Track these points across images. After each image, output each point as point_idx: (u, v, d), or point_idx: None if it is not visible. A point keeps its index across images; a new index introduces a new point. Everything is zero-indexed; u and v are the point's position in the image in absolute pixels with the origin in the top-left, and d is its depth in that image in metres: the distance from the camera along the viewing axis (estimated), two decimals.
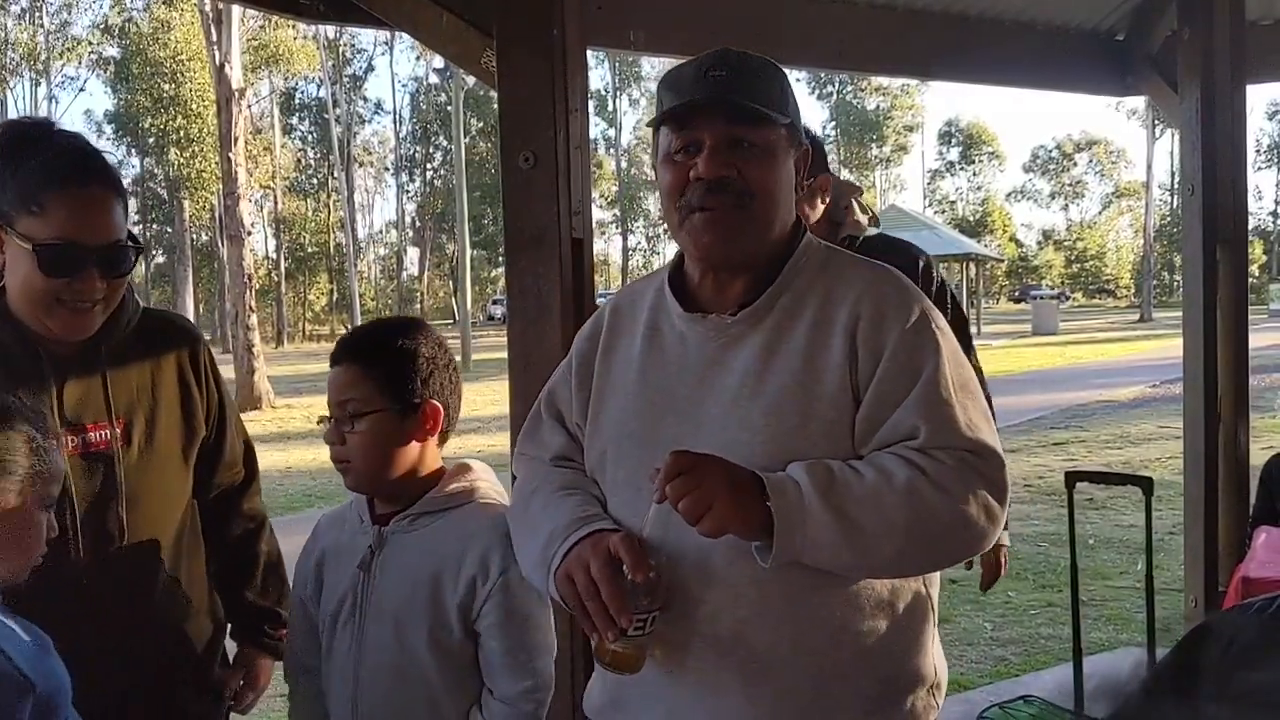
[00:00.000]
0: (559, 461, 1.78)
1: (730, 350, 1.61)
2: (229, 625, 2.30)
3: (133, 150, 43.53)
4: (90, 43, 47.44)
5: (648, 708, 1.64)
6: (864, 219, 2.92)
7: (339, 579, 1.94)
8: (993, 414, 2.70)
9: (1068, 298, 61.08)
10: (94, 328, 1.91)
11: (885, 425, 1.53)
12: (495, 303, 50.62)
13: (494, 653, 1.85)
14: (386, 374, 1.88)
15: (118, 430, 1.95)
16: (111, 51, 43.35)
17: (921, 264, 2.82)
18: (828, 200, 2.86)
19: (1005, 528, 2.74)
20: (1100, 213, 70.68)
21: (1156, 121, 46.28)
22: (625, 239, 57.87)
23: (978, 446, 1.52)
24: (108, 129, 43.83)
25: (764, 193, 1.60)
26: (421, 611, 1.85)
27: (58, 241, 1.79)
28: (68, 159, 1.83)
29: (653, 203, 58.24)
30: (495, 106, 3.07)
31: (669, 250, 62.82)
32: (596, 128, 56.89)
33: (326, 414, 1.92)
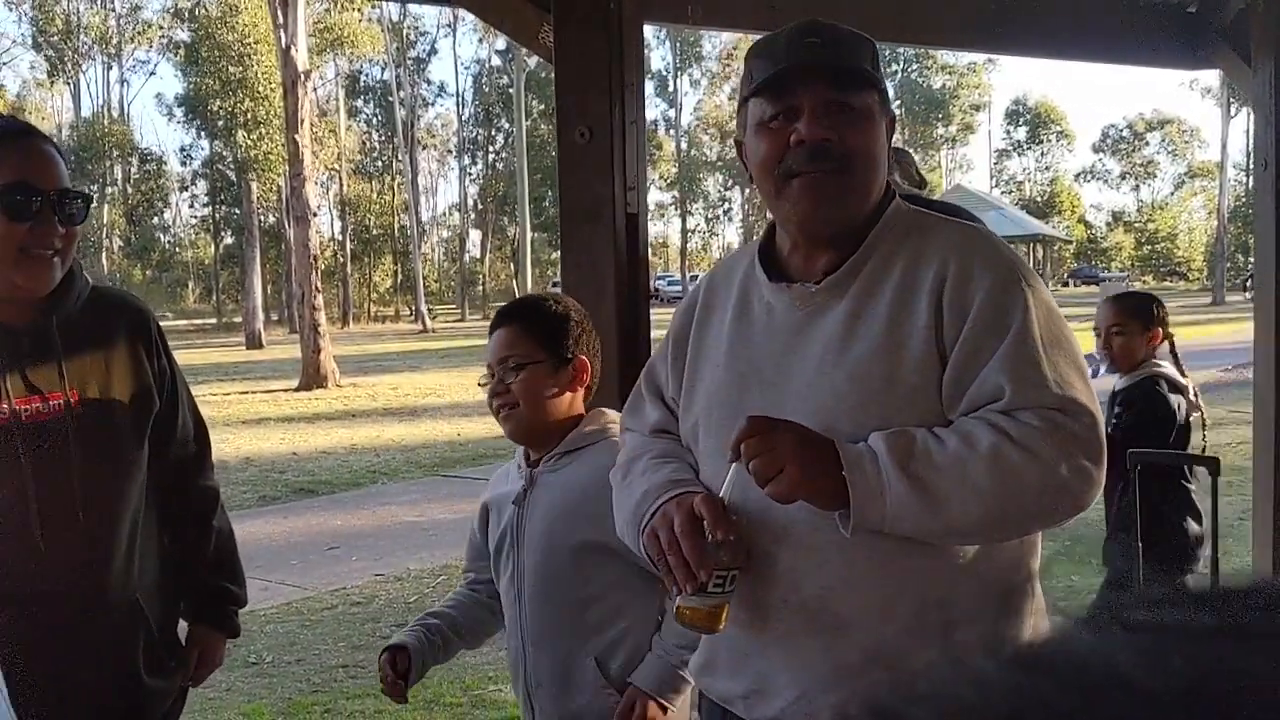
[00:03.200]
0: (658, 434, 1.82)
1: (815, 319, 1.61)
2: (182, 603, 2.31)
3: (202, 133, 44.23)
4: (161, 26, 48.33)
5: (737, 669, 1.67)
6: (904, 183, 2.81)
7: (501, 518, 2.21)
8: None
9: (1128, 280, 59.79)
10: (55, 280, 1.98)
11: (972, 386, 1.51)
12: (555, 285, 50.61)
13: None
14: (545, 332, 2.14)
15: (71, 400, 1.99)
16: (182, 35, 44.04)
17: None
18: None
19: None
20: (1172, 193, 69.05)
21: (1231, 99, 45.09)
22: (684, 220, 57.67)
23: (1066, 404, 1.48)
24: (178, 112, 44.57)
25: (865, 156, 1.59)
26: (562, 540, 2.08)
27: (14, 182, 1.90)
28: (10, 121, 2.06)
29: (712, 184, 58.02)
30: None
31: (728, 232, 62.60)
32: (656, 108, 56.69)
33: (486, 375, 2.16)
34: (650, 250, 3.01)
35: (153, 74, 78.07)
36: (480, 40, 55.66)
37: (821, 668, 1.56)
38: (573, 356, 2.15)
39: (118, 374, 2.07)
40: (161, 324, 2.27)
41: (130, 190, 49.77)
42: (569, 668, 2.10)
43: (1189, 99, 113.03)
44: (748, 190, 52.51)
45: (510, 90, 46.74)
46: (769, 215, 1.73)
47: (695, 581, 1.53)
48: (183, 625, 2.34)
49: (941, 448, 1.46)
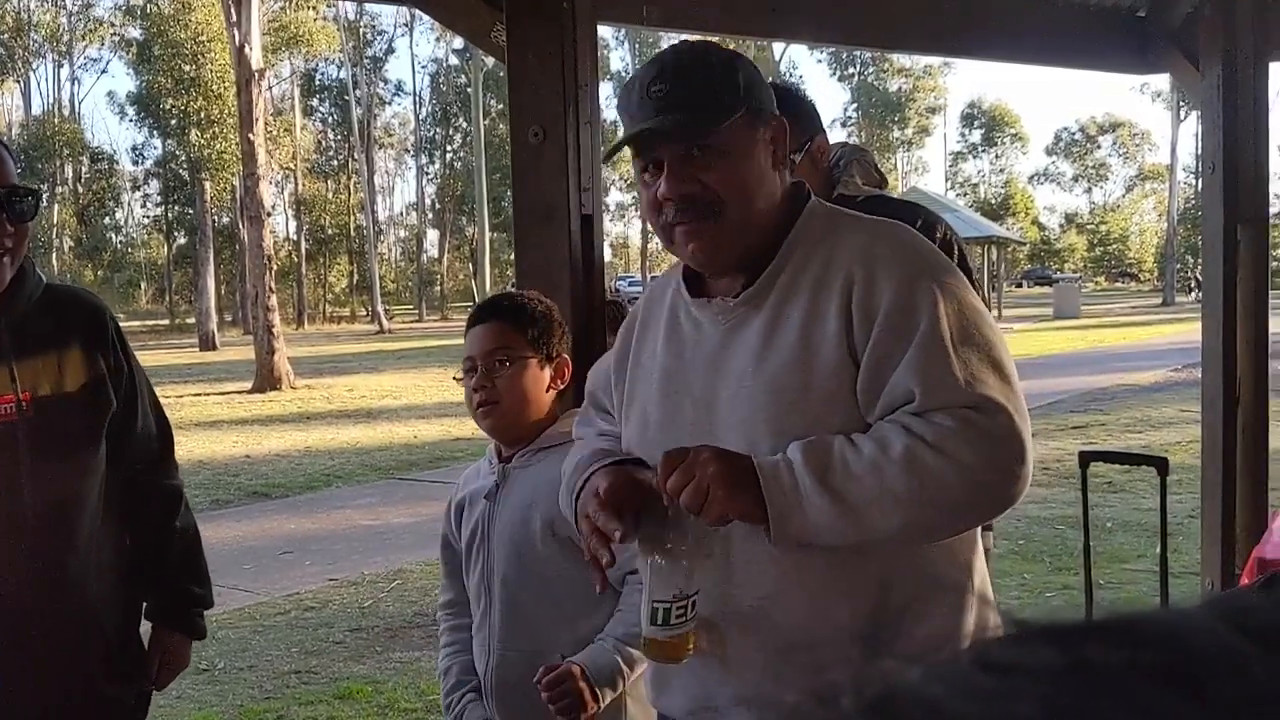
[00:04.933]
0: (604, 438, 1.83)
1: (735, 333, 1.62)
2: (145, 605, 2.27)
3: (154, 132, 43.57)
4: (112, 24, 47.62)
5: (684, 687, 1.67)
6: (860, 180, 2.72)
7: (472, 514, 2.22)
8: None
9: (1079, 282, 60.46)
10: (4, 281, 1.95)
11: (884, 391, 1.50)
12: (512, 285, 50.24)
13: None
14: (534, 329, 2.16)
15: (23, 401, 1.95)
16: (134, 33, 43.42)
17: (920, 222, 2.54)
18: (826, 161, 2.75)
19: (989, 529, 2.67)
20: (1123, 196, 70.01)
21: (1180, 104, 45.79)
22: (645, 221, 57.65)
23: (980, 401, 1.47)
24: (130, 110, 43.90)
25: (734, 195, 1.58)
26: (533, 535, 2.10)
27: None
28: None
29: None
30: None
31: None
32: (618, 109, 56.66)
33: (462, 371, 2.18)
34: (611, 251, 3.00)
35: (104, 72, 77.19)
36: (438, 39, 55.37)
37: (762, 679, 1.57)
38: (557, 355, 2.18)
39: (71, 374, 2.03)
40: None
41: (81, 190, 49.00)
42: (541, 659, 2.07)
43: (1140, 103, 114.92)
44: None
45: (468, 89, 46.52)
46: None
47: (608, 553, 1.57)
48: (147, 627, 2.30)
49: (858, 456, 1.46)
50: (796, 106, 2.49)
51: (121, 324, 2.22)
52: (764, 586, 1.56)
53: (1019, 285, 60.06)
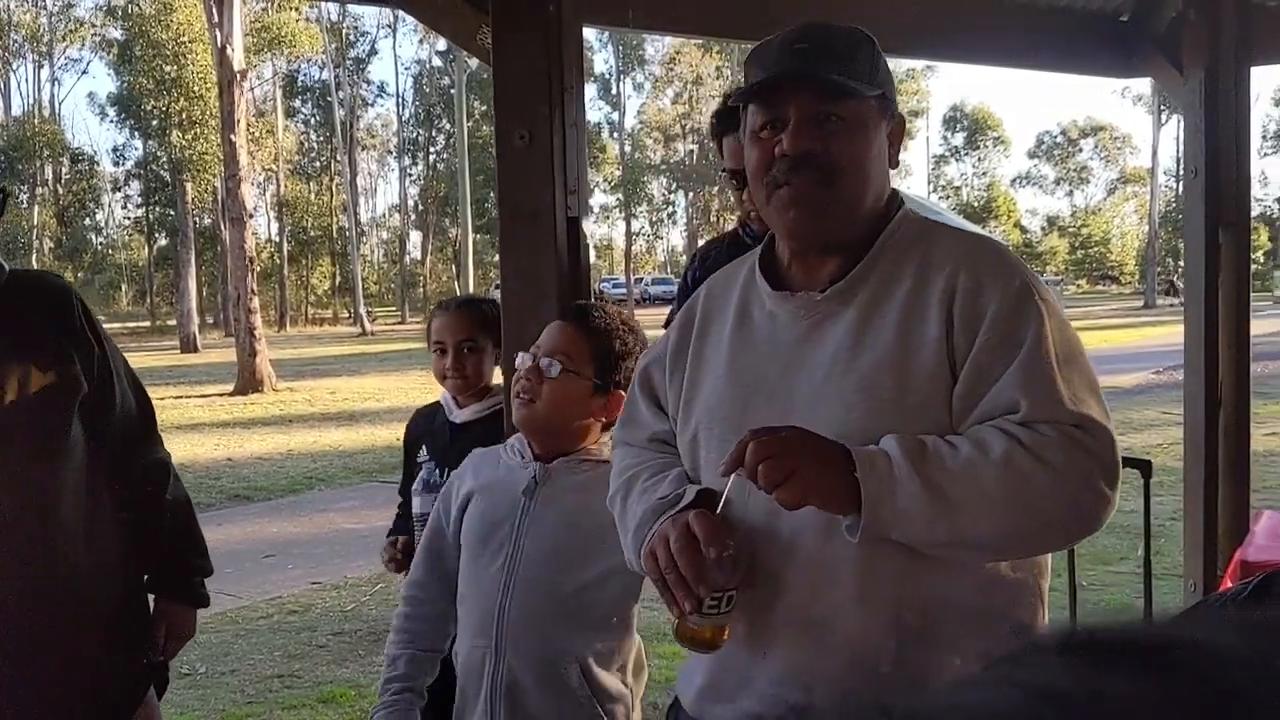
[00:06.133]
0: (655, 444, 1.76)
1: (820, 329, 1.57)
2: (146, 577, 2.29)
3: (135, 133, 43.34)
4: (93, 24, 47.32)
5: (742, 693, 1.60)
6: None
7: (494, 506, 2.10)
8: None
9: (1061, 284, 60.74)
10: None
11: (984, 400, 1.47)
12: (496, 288, 50.26)
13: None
14: (603, 352, 2.09)
15: None
16: (115, 33, 43.14)
17: None
18: None
19: None
20: (1105, 199, 70.35)
21: (1162, 107, 46.06)
22: (629, 223, 57.63)
23: (1084, 420, 1.45)
24: (111, 111, 43.61)
25: (851, 168, 1.55)
26: (575, 545, 2.04)
27: None
28: None
29: (656, 188, 58.05)
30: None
31: (672, 236, 62.70)
32: (600, 111, 56.65)
33: (528, 356, 2.09)
34: (595, 253, 2.99)
35: (85, 73, 76.73)
36: (421, 41, 55.22)
37: (828, 691, 1.54)
38: (612, 390, 2.10)
39: (37, 360, 2.02)
40: None
41: (62, 191, 48.64)
42: (553, 667, 2.03)
43: (1121, 106, 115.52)
44: (691, 194, 52.66)
45: (452, 91, 46.42)
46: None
47: (693, 600, 1.49)
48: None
49: (954, 452, 1.43)
50: None
51: (103, 326, 2.21)
52: (837, 592, 1.51)
53: None
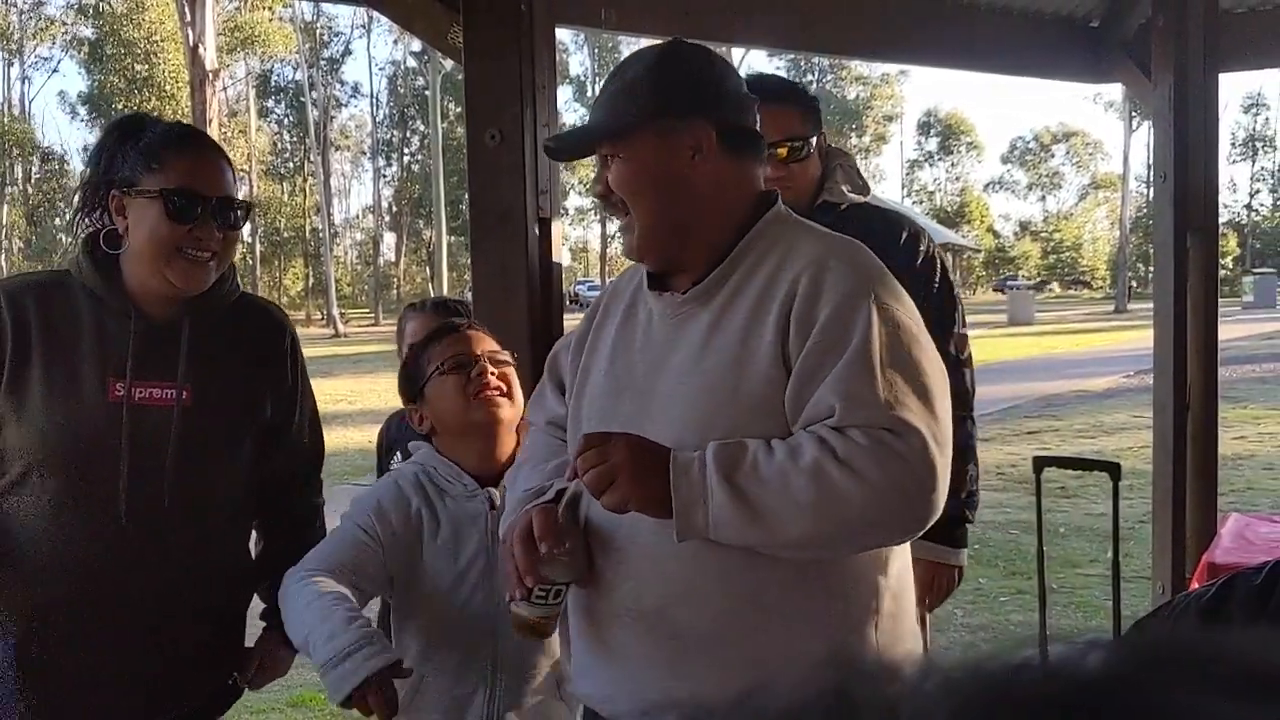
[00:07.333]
0: (550, 428, 1.84)
1: (682, 329, 1.64)
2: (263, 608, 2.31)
3: None
4: (64, 23, 46.93)
5: (584, 683, 1.71)
6: (846, 187, 2.64)
7: (459, 541, 2.01)
8: (972, 396, 2.60)
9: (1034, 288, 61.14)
10: (208, 281, 2.01)
11: (809, 403, 1.51)
12: (470, 289, 49.97)
13: None
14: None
15: (183, 395, 2.02)
16: (86, 32, 42.82)
17: (905, 235, 2.58)
18: (822, 165, 2.64)
19: (963, 545, 2.66)
20: (1077, 204, 70.96)
21: (1133, 114, 46.49)
22: (604, 225, 57.66)
23: (896, 424, 1.46)
24: (81, 110, 43.33)
25: (630, 197, 1.64)
26: None
27: (180, 188, 1.95)
28: (182, 129, 2.11)
29: None
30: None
31: None
32: (576, 114, 56.66)
33: (479, 356, 2.07)
34: (571, 255, 2.98)
35: (55, 71, 75.87)
36: (395, 41, 55.14)
37: (661, 679, 1.58)
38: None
39: (234, 378, 2.10)
40: None
41: (31, 190, 48.24)
42: (550, 694, 2.02)
43: (1093, 112, 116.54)
44: None
45: (426, 92, 46.30)
46: None
47: (523, 589, 1.60)
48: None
49: (770, 460, 1.47)
50: (809, 103, 2.57)
51: (306, 367, 2.30)
52: (669, 587, 1.57)
53: (999, 290, 60.51)
